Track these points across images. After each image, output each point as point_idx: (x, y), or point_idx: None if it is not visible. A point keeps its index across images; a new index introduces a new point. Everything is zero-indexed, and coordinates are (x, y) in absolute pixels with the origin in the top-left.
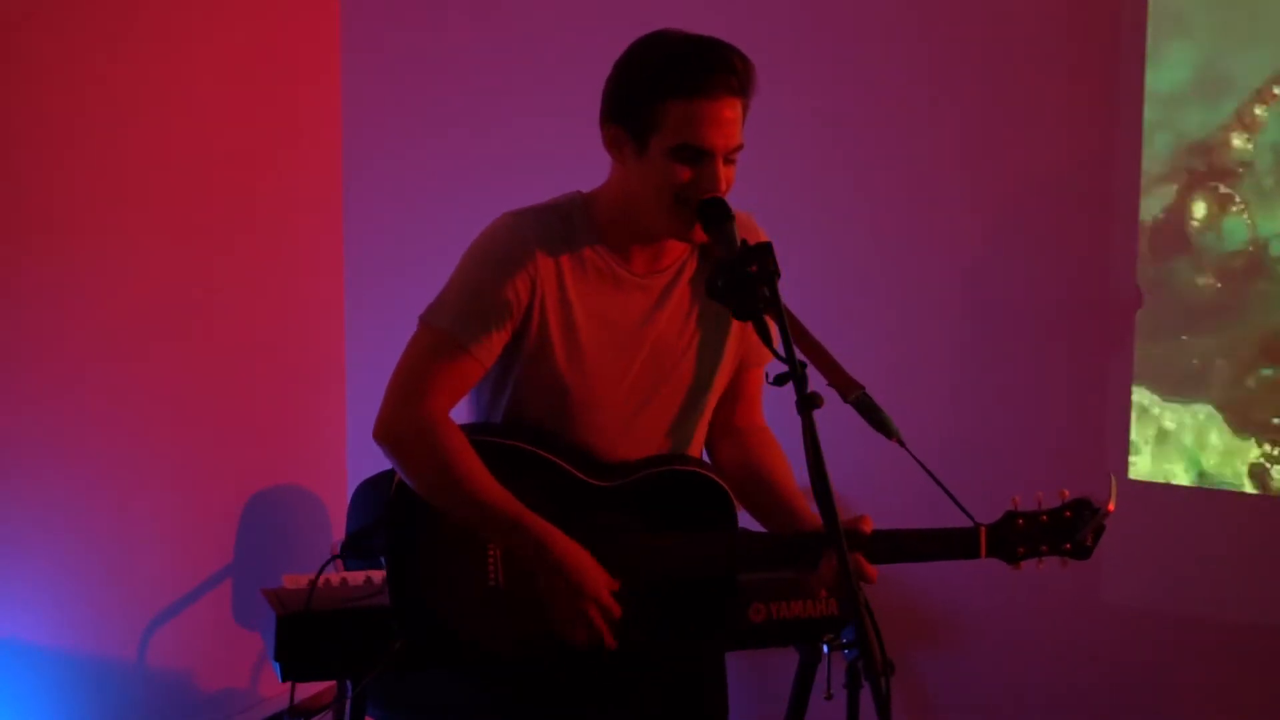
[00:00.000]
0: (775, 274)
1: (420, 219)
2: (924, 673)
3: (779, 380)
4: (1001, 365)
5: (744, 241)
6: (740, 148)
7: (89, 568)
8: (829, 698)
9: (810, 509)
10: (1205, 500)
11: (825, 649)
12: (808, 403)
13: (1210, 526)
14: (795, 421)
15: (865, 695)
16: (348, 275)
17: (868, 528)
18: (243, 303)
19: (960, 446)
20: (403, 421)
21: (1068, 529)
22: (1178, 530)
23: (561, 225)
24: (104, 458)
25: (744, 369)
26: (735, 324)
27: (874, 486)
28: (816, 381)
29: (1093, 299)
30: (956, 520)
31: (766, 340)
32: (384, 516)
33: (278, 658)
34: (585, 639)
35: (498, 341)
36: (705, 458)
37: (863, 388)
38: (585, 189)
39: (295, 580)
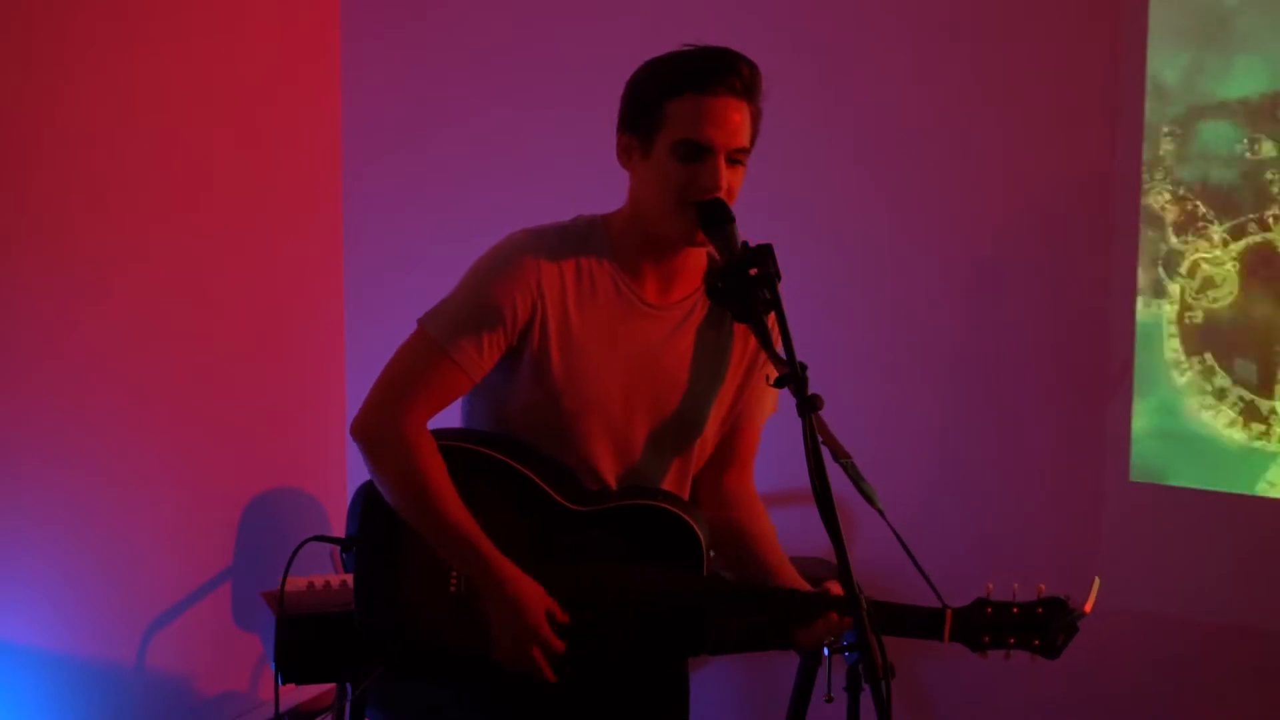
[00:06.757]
0: (776, 276)
1: (420, 219)
2: (924, 675)
3: (779, 382)
4: (1002, 372)
5: (745, 244)
6: (745, 150)
7: (88, 570)
8: (829, 700)
9: (792, 574)
10: (1206, 501)
11: (826, 651)
12: (808, 405)
13: (1211, 528)
14: (796, 422)
15: (866, 698)
16: (348, 275)
17: (835, 591)
18: (243, 303)
19: (957, 452)
20: (381, 425)
21: (1038, 625)
22: (1178, 532)
23: (576, 246)
24: (103, 460)
25: (739, 427)
26: (732, 373)
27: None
28: (815, 385)
29: (1094, 309)
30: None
31: (767, 343)
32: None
33: (277, 660)
34: (529, 673)
35: (489, 357)
36: None
37: (850, 457)
38: (584, 188)
39: (294, 583)
